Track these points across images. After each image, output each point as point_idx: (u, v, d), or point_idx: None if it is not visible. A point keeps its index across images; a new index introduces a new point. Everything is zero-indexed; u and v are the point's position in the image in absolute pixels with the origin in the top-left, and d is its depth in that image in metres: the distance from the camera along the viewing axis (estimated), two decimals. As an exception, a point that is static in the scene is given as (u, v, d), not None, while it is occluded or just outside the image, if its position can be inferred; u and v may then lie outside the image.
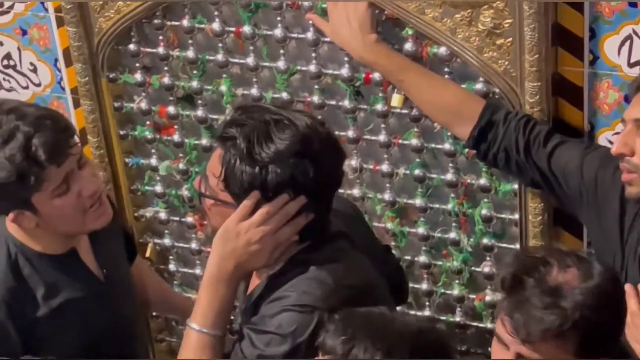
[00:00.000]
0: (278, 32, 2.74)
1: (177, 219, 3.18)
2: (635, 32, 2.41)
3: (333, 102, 2.77)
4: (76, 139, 2.36)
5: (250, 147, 2.08)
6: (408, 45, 2.60)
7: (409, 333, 1.86)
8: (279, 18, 2.74)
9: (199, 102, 2.97)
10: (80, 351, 2.54)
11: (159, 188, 3.14)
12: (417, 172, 2.74)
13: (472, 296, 2.85)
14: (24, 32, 3.12)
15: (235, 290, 2.20)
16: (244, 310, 2.27)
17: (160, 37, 2.92)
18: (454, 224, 2.78)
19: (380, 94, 2.70)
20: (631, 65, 2.45)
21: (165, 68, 2.96)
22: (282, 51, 2.78)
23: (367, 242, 2.48)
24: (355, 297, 2.11)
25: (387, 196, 2.83)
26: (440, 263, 2.85)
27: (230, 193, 2.13)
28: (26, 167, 2.24)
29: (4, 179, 2.26)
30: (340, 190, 2.78)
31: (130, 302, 2.74)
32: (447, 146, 2.69)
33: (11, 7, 3.08)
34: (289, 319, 2.10)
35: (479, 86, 2.57)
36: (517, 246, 2.73)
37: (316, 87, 2.78)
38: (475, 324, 2.90)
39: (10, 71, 3.21)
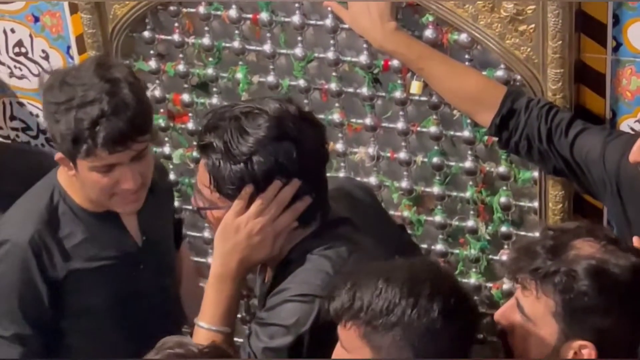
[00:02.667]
0: (296, 18, 2.73)
1: (190, 207, 3.12)
2: (660, 19, 2.41)
3: (351, 90, 2.76)
4: (146, 137, 2.40)
5: (228, 146, 2.11)
6: (428, 32, 2.58)
7: (402, 263, 1.98)
8: (296, 5, 2.72)
9: (214, 89, 2.96)
10: (104, 314, 2.58)
11: (172, 177, 3.13)
12: (435, 160, 2.73)
13: (489, 285, 2.83)
14: (36, 19, 3.11)
15: (240, 285, 2.24)
16: (258, 305, 2.32)
17: (176, 24, 2.91)
18: (471, 212, 2.77)
19: (399, 81, 2.69)
20: (655, 52, 2.45)
21: (180, 55, 2.96)
22: (299, 38, 2.77)
23: (378, 222, 2.48)
24: None
25: (404, 184, 2.82)
26: (457, 251, 2.84)
27: (224, 196, 2.17)
28: (84, 137, 2.31)
29: (62, 131, 2.33)
30: (357, 178, 2.85)
31: (166, 273, 2.78)
32: (466, 134, 2.67)
33: (23, -6, 3.08)
34: (290, 310, 2.12)
35: (500, 73, 2.55)
36: (536, 234, 2.67)
37: (334, 74, 2.76)
38: (492, 312, 2.82)
39: (21, 58, 3.21)
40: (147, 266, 2.65)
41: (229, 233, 2.17)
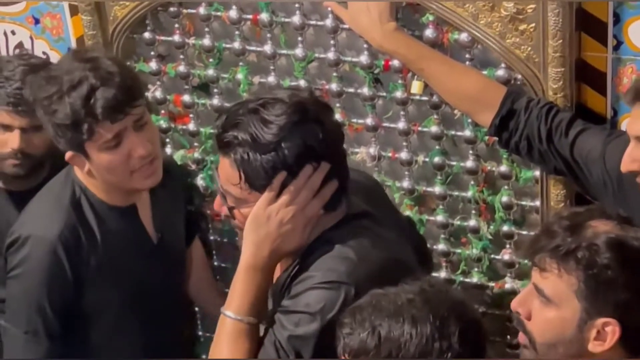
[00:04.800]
0: (296, 19, 2.72)
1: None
2: (661, 17, 2.40)
3: (351, 90, 2.75)
4: (140, 101, 2.46)
5: (254, 137, 2.09)
6: (428, 32, 2.57)
7: (415, 295, 1.93)
8: (297, 5, 2.72)
9: (215, 90, 2.95)
10: (121, 307, 2.64)
11: (173, 178, 3.11)
12: (436, 159, 2.72)
13: (492, 284, 2.82)
14: (37, 21, 3.10)
15: (271, 276, 2.22)
16: (274, 293, 2.28)
17: (176, 25, 2.91)
18: (473, 212, 2.75)
19: (400, 81, 2.68)
20: (656, 50, 2.44)
21: (181, 56, 2.95)
22: (300, 38, 2.76)
23: (389, 214, 2.47)
24: (379, 271, 2.14)
25: (405, 184, 2.80)
26: (459, 251, 2.83)
27: (256, 189, 2.15)
28: (82, 116, 2.38)
29: (61, 120, 2.40)
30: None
31: (179, 270, 2.85)
32: (467, 133, 2.66)
33: (24, -5, 3.08)
34: (316, 297, 2.10)
35: (500, 72, 2.54)
36: None
37: (334, 74, 2.75)
38: (494, 312, 2.85)
39: (22, 61, 3.16)
40: (161, 263, 2.69)
41: (261, 222, 2.15)
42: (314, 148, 2.12)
